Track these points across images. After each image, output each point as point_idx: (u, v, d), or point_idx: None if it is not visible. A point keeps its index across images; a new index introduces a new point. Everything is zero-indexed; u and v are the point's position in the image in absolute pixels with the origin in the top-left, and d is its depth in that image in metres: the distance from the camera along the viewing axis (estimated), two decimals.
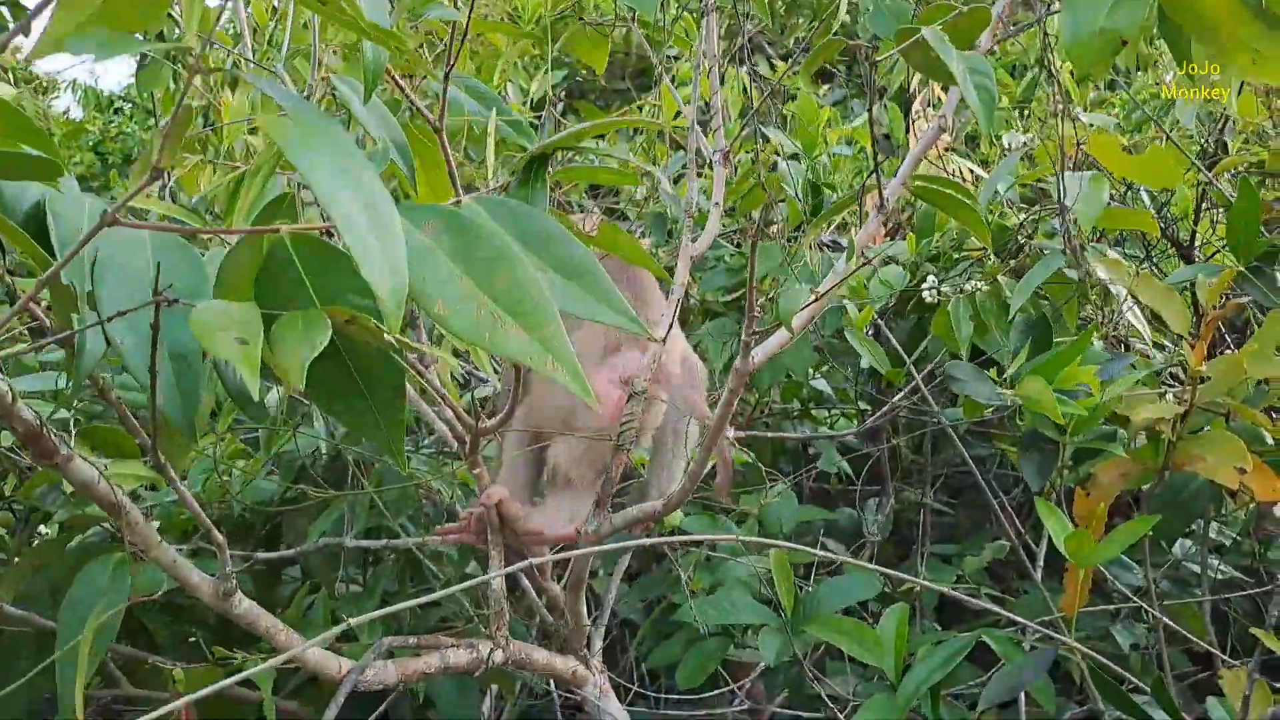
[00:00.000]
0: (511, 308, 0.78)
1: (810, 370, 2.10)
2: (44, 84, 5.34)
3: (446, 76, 0.98)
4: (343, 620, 1.62)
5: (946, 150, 2.22)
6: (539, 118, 2.36)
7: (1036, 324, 1.52)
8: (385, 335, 0.75)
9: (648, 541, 1.24)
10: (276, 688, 1.70)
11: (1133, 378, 1.39)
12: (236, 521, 1.74)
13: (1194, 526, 1.77)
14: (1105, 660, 1.27)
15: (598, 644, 1.46)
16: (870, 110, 1.08)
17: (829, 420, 2.29)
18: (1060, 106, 1.41)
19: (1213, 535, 1.87)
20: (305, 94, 1.22)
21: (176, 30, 1.95)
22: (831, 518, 2.01)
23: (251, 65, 1.42)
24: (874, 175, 1.15)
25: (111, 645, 1.59)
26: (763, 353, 1.14)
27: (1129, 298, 1.49)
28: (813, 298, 1.07)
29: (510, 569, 1.06)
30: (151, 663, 1.59)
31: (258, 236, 0.80)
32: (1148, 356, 1.62)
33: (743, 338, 1.02)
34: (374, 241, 0.70)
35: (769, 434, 2.01)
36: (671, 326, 1.23)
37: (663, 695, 1.84)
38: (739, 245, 2.32)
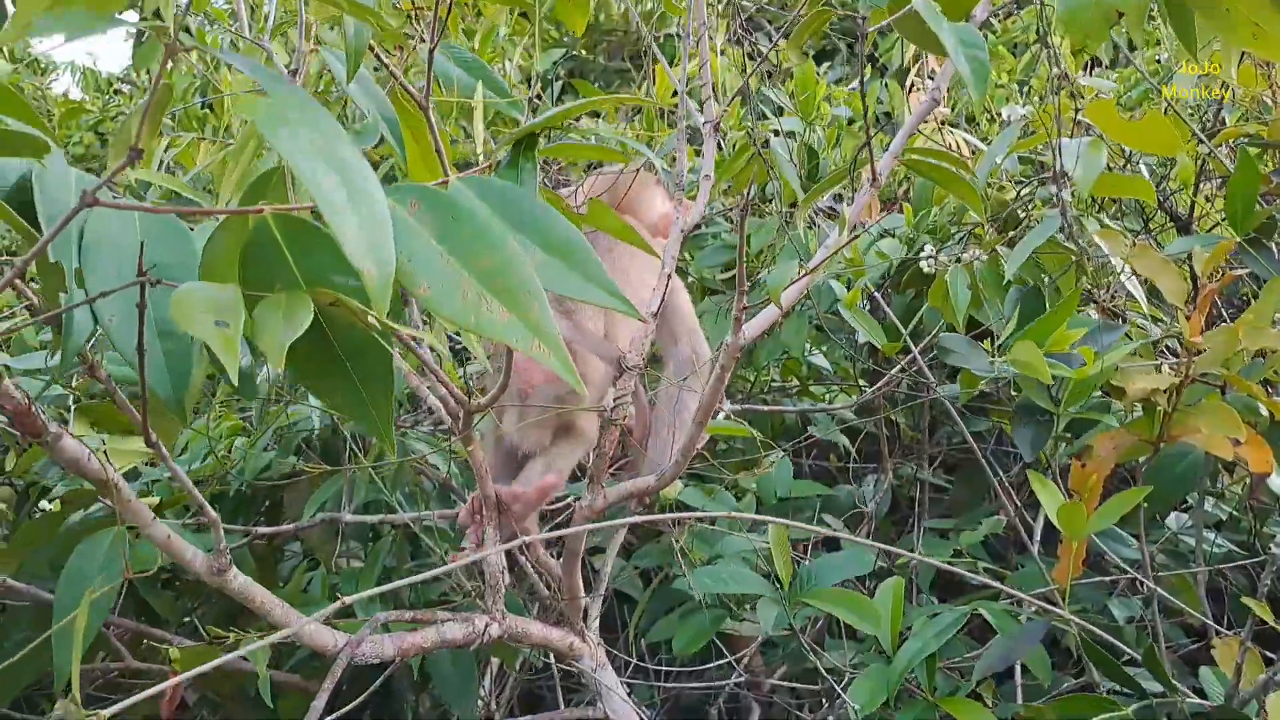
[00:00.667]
0: (497, 289, 0.78)
1: (808, 347, 2.10)
2: (43, 65, 5.33)
3: (431, 52, 0.97)
4: (341, 596, 1.64)
5: (943, 124, 2.21)
6: (538, 96, 2.35)
7: (1029, 294, 1.51)
8: (370, 317, 0.76)
9: (642, 519, 1.25)
10: (279, 662, 1.72)
11: (1128, 348, 1.39)
12: (236, 497, 1.75)
13: (1189, 501, 1.77)
14: (1100, 632, 1.28)
15: (594, 617, 1.47)
16: (862, 80, 1.07)
17: (829, 395, 2.29)
18: (1056, 74, 1.39)
19: (1210, 510, 1.87)
20: (293, 68, 1.21)
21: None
22: (829, 493, 2.01)
23: (245, 40, 1.41)
24: (867, 149, 1.14)
25: (115, 620, 1.62)
26: (753, 328, 1.13)
27: (1126, 268, 1.48)
28: (801, 273, 1.06)
29: (505, 545, 1.06)
30: (155, 637, 1.61)
31: (242, 216, 0.80)
32: (1143, 328, 1.61)
33: (733, 313, 1.02)
34: (359, 225, 0.69)
35: (764, 408, 2.01)
36: (663, 303, 1.23)
37: (662, 668, 1.85)
38: (733, 222, 2.31)
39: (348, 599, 0.92)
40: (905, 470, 2.18)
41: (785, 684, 1.88)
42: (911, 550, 1.92)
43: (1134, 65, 2.00)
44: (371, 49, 1.06)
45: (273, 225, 0.78)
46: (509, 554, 1.52)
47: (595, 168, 2.70)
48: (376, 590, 0.94)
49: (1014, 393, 1.56)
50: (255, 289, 0.78)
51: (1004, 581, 1.78)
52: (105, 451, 1.39)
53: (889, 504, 2.15)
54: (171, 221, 0.93)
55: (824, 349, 2.20)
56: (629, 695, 1.85)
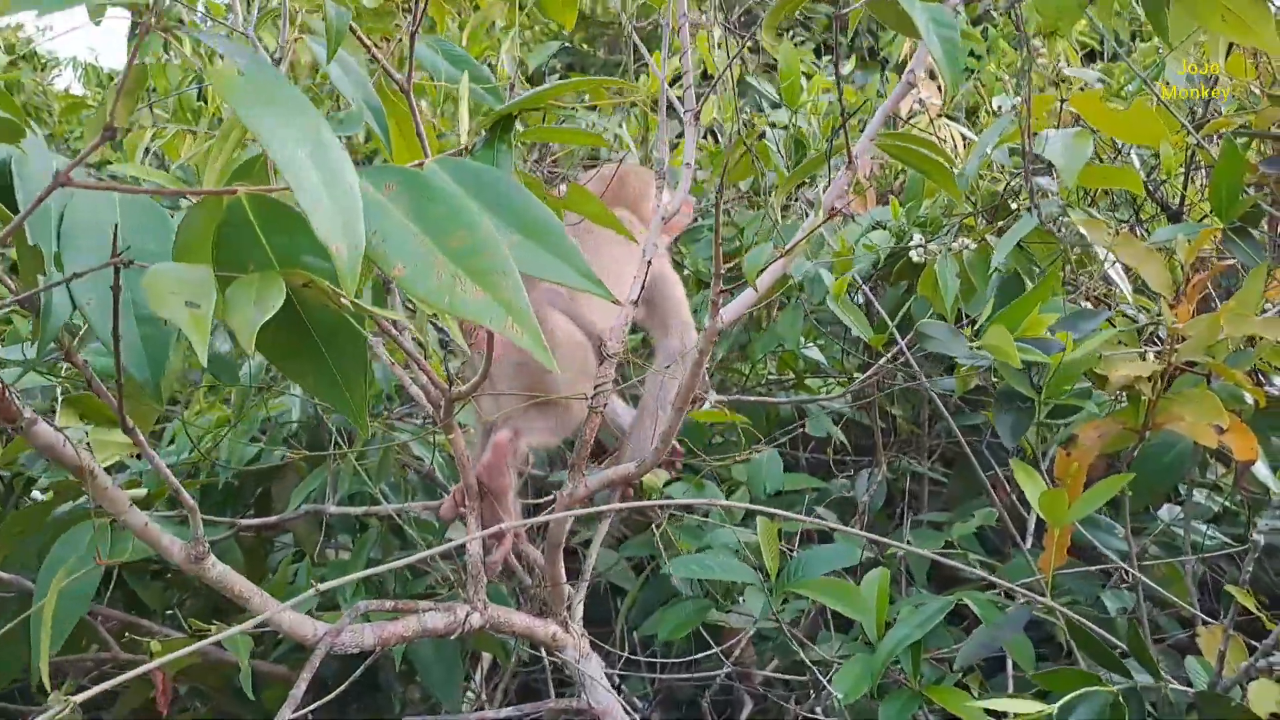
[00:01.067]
0: (471, 269, 0.78)
1: (803, 340, 2.10)
2: (44, 61, 5.34)
3: (414, 36, 0.98)
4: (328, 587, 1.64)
5: (939, 115, 2.21)
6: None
7: (1009, 281, 1.51)
8: (342, 299, 0.76)
9: (623, 506, 1.24)
10: (265, 654, 1.72)
11: (1109, 335, 1.38)
12: (225, 489, 1.75)
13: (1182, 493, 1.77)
14: (1082, 619, 1.28)
15: (578, 607, 1.47)
16: (836, 63, 1.07)
17: (825, 388, 2.29)
18: (1028, 59, 1.39)
19: (1204, 502, 1.88)
20: (276, 57, 1.22)
21: None
22: (821, 486, 2.01)
23: (235, 30, 1.42)
24: (845, 134, 1.14)
25: (103, 610, 1.63)
26: (731, 312, 1.13)
27: (1110, 256, 1.48)
28: (778, 254, 1.06)
29: (486, 532, 1.06)
30: (143, 629, 1.61)
31: (217, 198, 0.80)
32: (1130, 317, 1.61)
33: (711, 295, 1.02)
34: (330, 204, 0.69)
35: (752, 399, 2.01)
36: (643, 291, 1.23)
37: (657, 660, 1.85)
38: (729, 213, 2.31)
39: (323, 585, 0.92)
40: (901, 464, 2.18)
41: (778, 676, 1.88)
42: (903, 543, 1.92)
43: (1124, 60, 2.00)
44: (359, 39, 1.06)
45: (246, 206, 0.78)
46: (493, 544, 1.52)
47: (593, 162, 2.71)
48: (352, 577, 0.95)
49: (995, 380, 1.56)
50: (229, 270, 0.78)
51: (994, 573, 1.78)
52: (89, 442, 1.40)
53: (884, 498, 2.14)
54: (152, 206, 0.94)
55: (821, 343, 2.20)
56: (620, 686, 1.85)
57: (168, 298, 0.69)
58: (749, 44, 2.39)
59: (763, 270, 1.14)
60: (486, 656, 1.96)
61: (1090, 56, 3.39)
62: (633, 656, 1.82)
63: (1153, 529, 1.81)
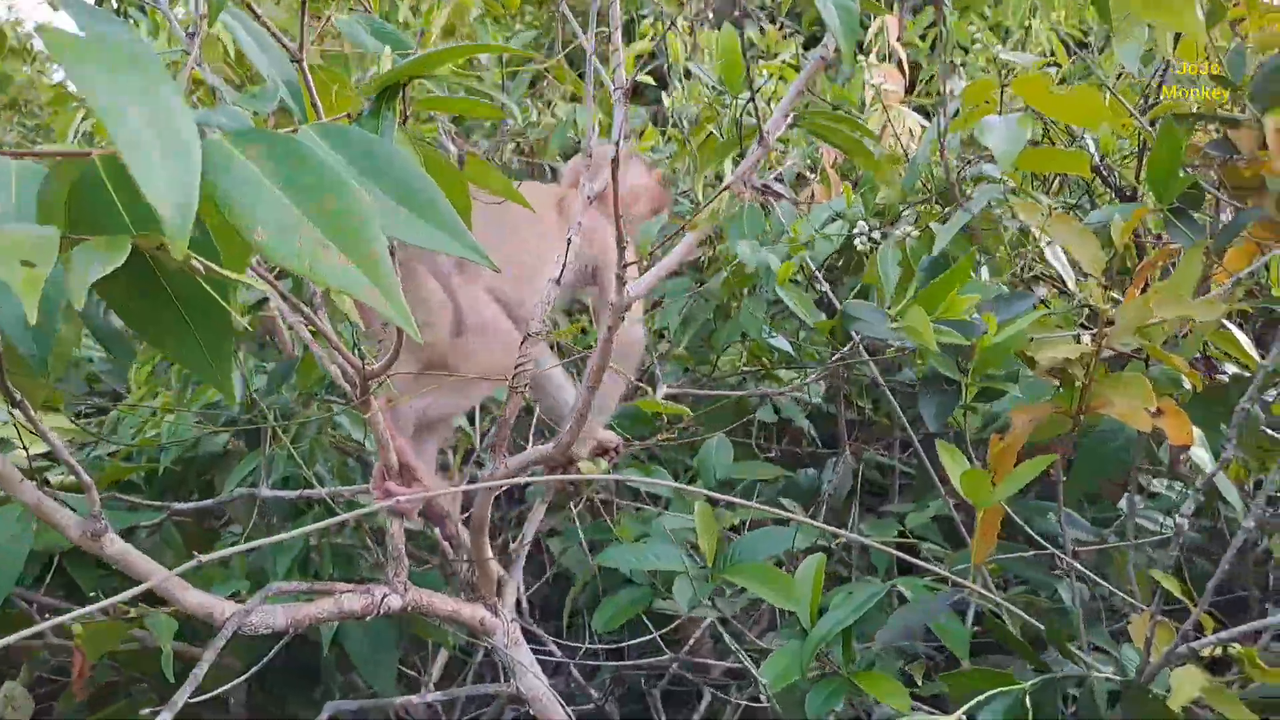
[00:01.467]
0: (336, 235, 0.77)
1: (768, 329, 2.08)
2: (34, 55, 5.37)
3: (304, 5, 0.97)
4: (263, 573, 1.63)
5: (902, 101, 2.19)
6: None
7: (936, 263, 1.49)
8: (192, 259, 0.74)
9: (550, 479, 1.23)
10: (198, 638, 1.70)
11: (1038, 316, 1.36)
12: (166, 475, 1.74)
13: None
14: (1005, 603, 1.26)
15: (510, 592, 1.46)
16: (742, 39, 1.05)
17: (800, 379, 2.27)
18: (948, 37, 1.38)
19: (1165, 492, 1.86)
20: (190, 31, 1.21)
21: None
22: (779, 475, 1.99)
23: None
24: (756, 112, 1.12)
25: (38, 598, 1.62)
26: (640, 287, 1.11)
27: (1044, 236, 1.46)
28: (680, 226, 1.05)
29: (384, 503, 1.05)
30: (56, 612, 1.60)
31: (78, 161, 0.79)
32: (1071, 295, 1.59)
33: (615, 272, 1.01)
34: (161, 164, 0.68)
35: (706, 393, 1.99)
36: (563, 272, 1.21)
37: (622, 645, 1.83)
38: (694, 202, 2.30)
39: (204, 557, 0.91)
40: (866, 454, 2.16)
41: (734, 665, 1.86)
42: (861, 533, 1.90)
43: (1080, 54, 1.98)
44: (250, 9, 1.05)
45: (100, 168, 0.77)
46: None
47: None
48: (231, 550, 0.93)
49: (918, 362, 1.54)
50: (86, 234, 0.77)
51: (946, 559, 1.76)
52: (16, 425, 1.39)
53: (848, 487, 2.12)
54: (46, 175, 0.93)
55: (802, 336, 2.18)
56: (563, 673, 1.84)
57: (2, 258, 0.68)
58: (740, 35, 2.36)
59: (662, 240, 1.12)
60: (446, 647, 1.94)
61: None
62: (590, 646, 1.81)
63: (1112, 515, 1.79)
